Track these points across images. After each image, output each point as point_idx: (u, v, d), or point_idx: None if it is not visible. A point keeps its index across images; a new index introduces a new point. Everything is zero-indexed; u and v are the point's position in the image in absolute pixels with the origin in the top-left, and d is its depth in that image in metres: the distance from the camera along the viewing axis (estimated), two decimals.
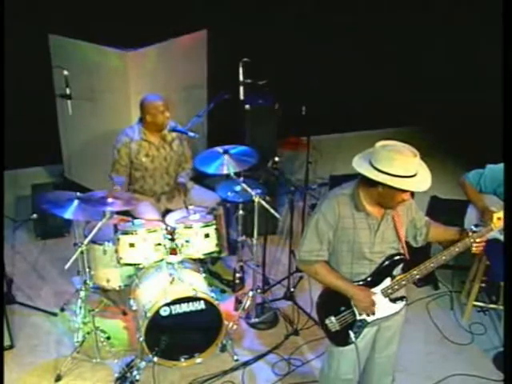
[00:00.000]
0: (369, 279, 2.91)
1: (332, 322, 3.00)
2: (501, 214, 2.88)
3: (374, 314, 2.91)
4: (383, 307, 2.96)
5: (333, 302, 2.96)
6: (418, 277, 2.93)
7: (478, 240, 2.90)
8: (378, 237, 2.84)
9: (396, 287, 2.92)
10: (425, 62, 6.86)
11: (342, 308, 2.95)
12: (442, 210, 4.90)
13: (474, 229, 4.07)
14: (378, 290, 2.92)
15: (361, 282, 2.91)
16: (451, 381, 3.91)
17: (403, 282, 2.92)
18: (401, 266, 2.96)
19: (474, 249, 2.91)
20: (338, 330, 3.00)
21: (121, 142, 4.37)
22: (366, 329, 2.99)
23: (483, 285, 4.38)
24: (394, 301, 2.96)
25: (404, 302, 3.00)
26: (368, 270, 2.90)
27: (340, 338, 3.01)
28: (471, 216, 4.08)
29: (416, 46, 6.73)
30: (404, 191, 2.68)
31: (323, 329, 3.07)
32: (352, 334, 2.96)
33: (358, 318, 2.96)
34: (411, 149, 2.68)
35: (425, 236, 3.06)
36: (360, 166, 2.71)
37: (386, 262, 2.90)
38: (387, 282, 2.92)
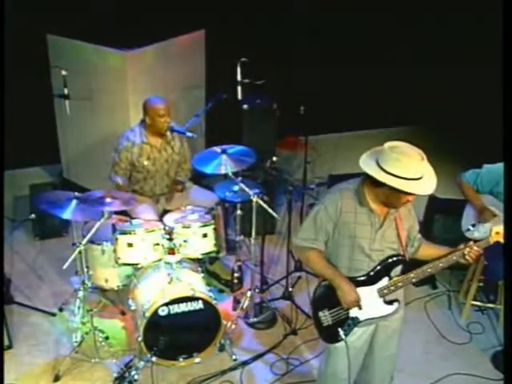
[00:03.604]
0: (366, 276, 2.92)
1: (325, 316, 3.01)
2: (499, 229, 2.91)
3: (360, 308, 2.91)
4: (377, 307, 2.97)
5: (329, 295, 2.96)
6: (414, 280, 2.95)
7: (475, 248, 2.91)
8: (378, 234, 2.87)
9: (392, 288, 2.94)
10: (424, 61, 6.87)
11: (338, 302, 2.95)
12: (440, 210, 4.92)
13: (472, 228, 4.10)
14: (374, 288, 2.94)
15: (360, 278, 2.92)
16: (449, 380, 3.92)
17: (400, 284, 2.94)
18: (400, 267, 2.97)
19: (466, 256, 2.91)
20: (330, 325, 3.01)
21: (122, 145, 4.35)
22: (362, 328, 3.00)
23: (481, 284, 4.40)
24: (388, 302, 2.98)
25: (397, 305, 3.01)
26: (366, 267, 2.92)
27: (330, 335, 3.03)
28: (468, 215, 4.10)
29: (415, 46, 6.74)
30: (408, 193, 2.69)
31: (315, 322, 3.08)
32: (341, 332, 2.97)
33: (351, 315, 2.97)
34: (419, 151, 2.71)
35: (415, 249, 3.07)
36: (367, 164, 2.74)
37: (385, 262, 2.92)
38: (384, 281, 2.93)
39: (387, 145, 2.74)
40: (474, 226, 4.03)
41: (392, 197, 2.74)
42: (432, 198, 5.01)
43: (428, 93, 6.78)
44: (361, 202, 2.84)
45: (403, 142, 2.76)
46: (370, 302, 2.94)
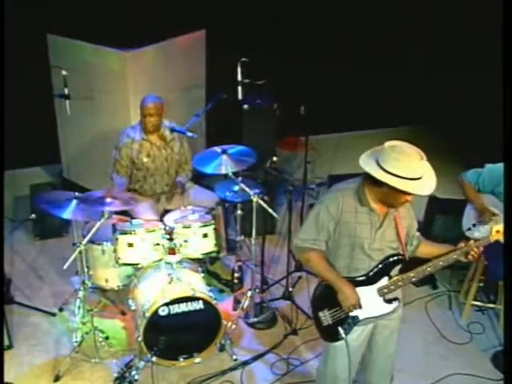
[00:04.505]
0: (366, 276, 2.93)
1: (325, 315, 3.02)
2: (499, 228, 2.92)
3: (360, 307, 2.91)
4: (376, 306, 2.98)
5: (329, 295, 2.96)
6: (414, 279, 2.96)
7: (475, 249, 2.92)
8: (378, 233, 2.87)
9: (392, 287, 2.94)
10: (424, 61, 6.87)
11: (338, 302, 2.95)
12: (441, 210, 4.92)
13: (472, 228, 4.09)
14: (374, 288, 2.94)
15: (360, 278, 2.92)
16: (450, 380, 3.92)
17: (400, 283, 2.94)
18: (399, 266, 2.98)
19: (470, 256, 2.93)
20: (330, 325, 3.01)
21: (122, 142, 4.37)
22: (360, 327, 3.00)
23: (481, 284, 4.40)
24: (387, 301, 2.98)
25: (397, 304, 3.02)
26: (366, 266, 2.92)
27: (330, 333, 3.03)
28: (469, 215, 4.10)
29: (415, 46, 6.74)
30: (408, 193, 2.69)
31: (315, 322, 3.08)
32: (341, 331, 2.97)
33: (351, 314, 2.97)
34: (418, 151, 2.72)
35: (414, 248, 3.08)
36: (367, 164, 2.74)
37: (385, 261, 2.92)
38: (384, 281, 2.94)
39: (387, 144, 2.74)
40: (474, 225, 4.04)
41: (391, 196, 2.75)
42: (432, 198, 5.01)
43: (428, 93, 6.78)
44: (361, 202, 2.84)
45: (403, 142, 2.77)
46: (369, 301, 2.94)
